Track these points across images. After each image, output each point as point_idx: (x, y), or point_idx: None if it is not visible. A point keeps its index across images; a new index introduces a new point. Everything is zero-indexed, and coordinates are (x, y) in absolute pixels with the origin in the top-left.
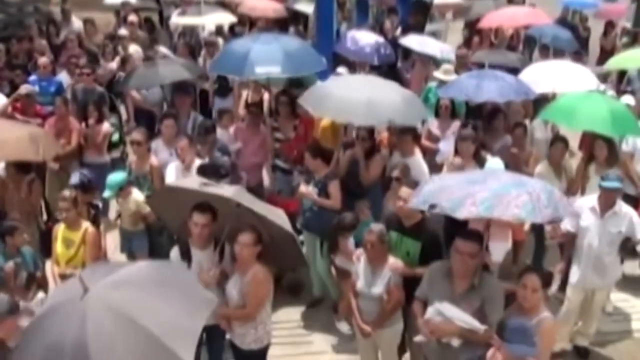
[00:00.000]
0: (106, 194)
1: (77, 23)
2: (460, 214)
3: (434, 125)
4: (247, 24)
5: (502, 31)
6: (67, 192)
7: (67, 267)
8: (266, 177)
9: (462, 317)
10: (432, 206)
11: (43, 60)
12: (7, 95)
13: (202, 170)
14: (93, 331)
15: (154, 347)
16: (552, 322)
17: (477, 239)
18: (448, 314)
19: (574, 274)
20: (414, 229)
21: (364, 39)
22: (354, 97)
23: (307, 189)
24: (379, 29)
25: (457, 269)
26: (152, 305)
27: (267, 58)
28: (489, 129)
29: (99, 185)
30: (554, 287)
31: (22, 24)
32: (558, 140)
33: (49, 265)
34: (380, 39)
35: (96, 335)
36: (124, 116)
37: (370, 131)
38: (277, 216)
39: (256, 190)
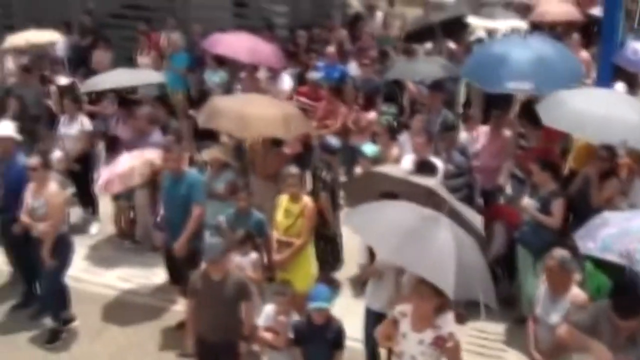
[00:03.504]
0: None
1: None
2: None
3: None
4: (545, 29)
5: None
6: (294, 170)
7: (284, 235)
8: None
9: None
10: (625, 257)
11: (330, 49)
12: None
13: (420, 166)
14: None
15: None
16: None
17: (635, 313)
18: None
19: None
20: (610, 264)
21: None
22: (588, 110)
23: (528, 202)
24: None
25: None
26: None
27: (521, 71)
28: None
29: None
30: None
31: (329, 14)
32: None
33: None
34: None
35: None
36: None
37: (612, 152)
38: (472, 217)
39: (491, 194)
